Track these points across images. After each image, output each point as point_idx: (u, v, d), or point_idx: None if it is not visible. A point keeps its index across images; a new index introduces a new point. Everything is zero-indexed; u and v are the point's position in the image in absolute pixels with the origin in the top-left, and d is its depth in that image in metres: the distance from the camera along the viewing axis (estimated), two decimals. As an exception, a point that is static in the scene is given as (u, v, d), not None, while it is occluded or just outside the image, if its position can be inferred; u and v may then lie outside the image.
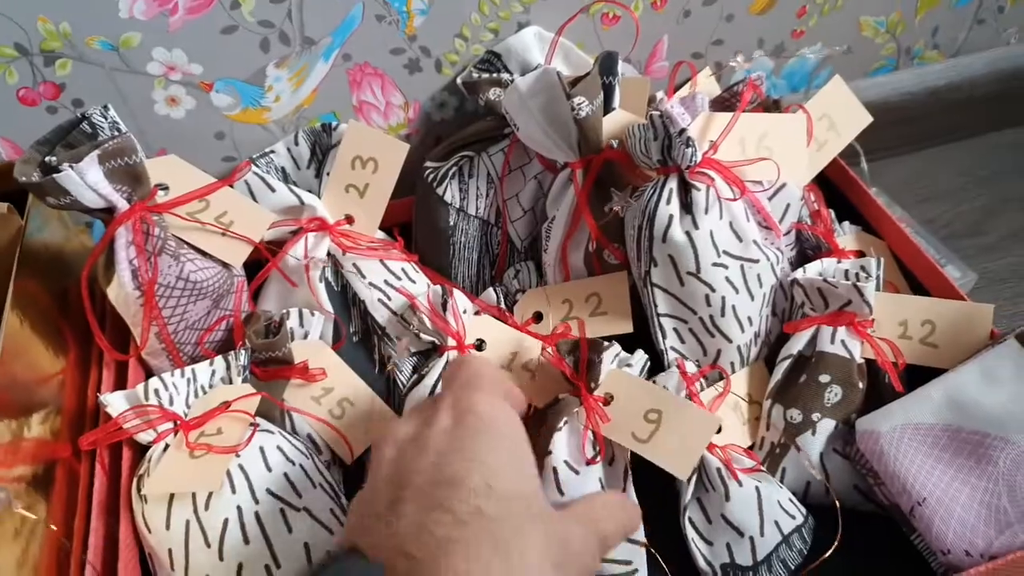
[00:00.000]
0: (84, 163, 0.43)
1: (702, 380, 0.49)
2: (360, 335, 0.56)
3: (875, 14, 0.69)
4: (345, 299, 0.56)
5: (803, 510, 0.45)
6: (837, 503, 0.45)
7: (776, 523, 0.44)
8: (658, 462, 0.43)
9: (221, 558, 0.40)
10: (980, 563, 0.40)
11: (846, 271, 0.50)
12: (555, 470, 0.44)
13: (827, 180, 0.62)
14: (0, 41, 0.49)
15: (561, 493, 0.44)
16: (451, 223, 0.59)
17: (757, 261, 0.49)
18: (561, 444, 0.45)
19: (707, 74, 0.64)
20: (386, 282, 0.55)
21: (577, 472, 0.44)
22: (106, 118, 0.45)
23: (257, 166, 0.55)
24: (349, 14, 0.54)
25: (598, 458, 0.45)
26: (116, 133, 0.45)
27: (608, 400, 0.46)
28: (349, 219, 0.56)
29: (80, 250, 0.58)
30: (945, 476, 0.42)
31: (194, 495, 0.41)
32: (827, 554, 0.43)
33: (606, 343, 0.47)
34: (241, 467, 0.42)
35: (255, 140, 0.59)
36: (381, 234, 0.58)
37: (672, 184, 0.47)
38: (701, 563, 0.44)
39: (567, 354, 0.47)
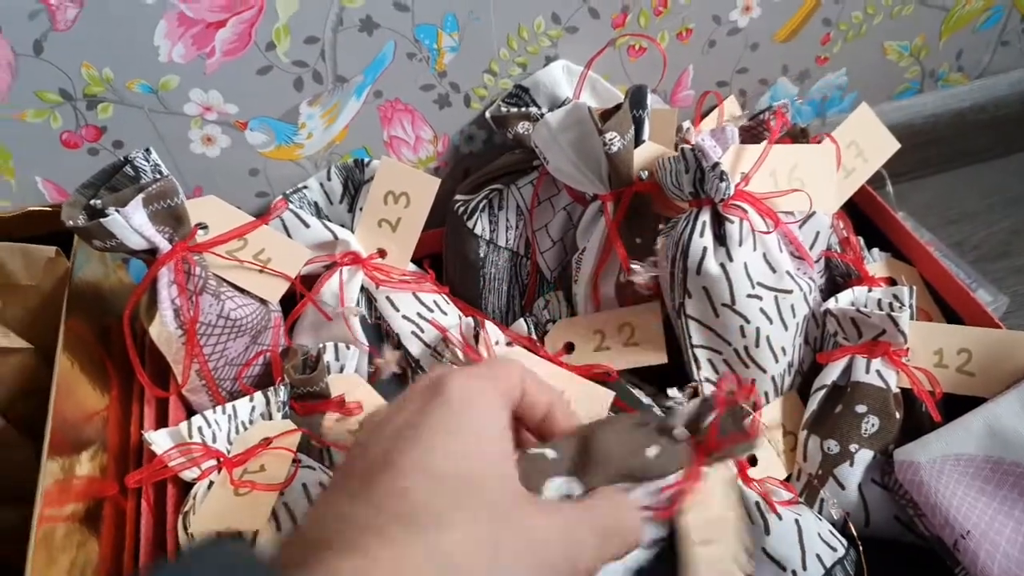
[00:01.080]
0: (130, 207, 0.44)
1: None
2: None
3: (899, 39, 0.70)
4: (379, 332, 0.57)
5: (844, 542, 0.45)
6: (858, 539, 0.45)
7: (818, 556, 0.44)
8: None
9: (267, 596, 0.40)
10: (1026, 597, 0.40)
11: (879, 300, 0.50)
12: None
13: (855, 206, 0.62)
14: (46, 87, 0.50)
15: None
16: (481, 255, 0.59)
17: (791, 292, 0.49)
18: None
19: (732, 102, 0.65)
20: (419, 314, 0.56)
21: None
22: (148, 161, 0.47)
23: (291, 201, 0.56)
24: (381, 52, 0.56)
25: None
26: (159, 176, 0.46)
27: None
28: (382, 252, 0.57)
29: (118, 286, 0.59)
30: (989, 509, 0.41)
31: (240, 533, 0.42)
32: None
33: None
34: (285, 504, 0.43)
35: (288, 176, 0.60)
36: (412, 266, 0.59)
37: (705, 216, 0.48)
38: (744, 599, 0.44)
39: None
